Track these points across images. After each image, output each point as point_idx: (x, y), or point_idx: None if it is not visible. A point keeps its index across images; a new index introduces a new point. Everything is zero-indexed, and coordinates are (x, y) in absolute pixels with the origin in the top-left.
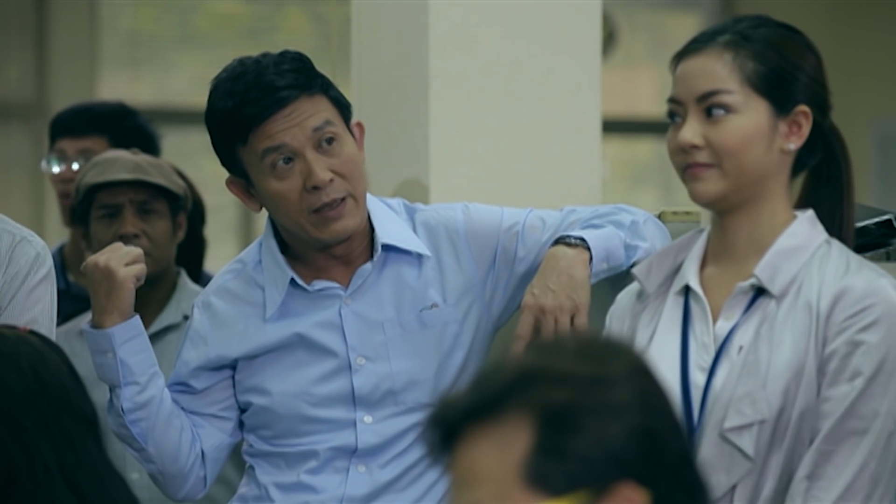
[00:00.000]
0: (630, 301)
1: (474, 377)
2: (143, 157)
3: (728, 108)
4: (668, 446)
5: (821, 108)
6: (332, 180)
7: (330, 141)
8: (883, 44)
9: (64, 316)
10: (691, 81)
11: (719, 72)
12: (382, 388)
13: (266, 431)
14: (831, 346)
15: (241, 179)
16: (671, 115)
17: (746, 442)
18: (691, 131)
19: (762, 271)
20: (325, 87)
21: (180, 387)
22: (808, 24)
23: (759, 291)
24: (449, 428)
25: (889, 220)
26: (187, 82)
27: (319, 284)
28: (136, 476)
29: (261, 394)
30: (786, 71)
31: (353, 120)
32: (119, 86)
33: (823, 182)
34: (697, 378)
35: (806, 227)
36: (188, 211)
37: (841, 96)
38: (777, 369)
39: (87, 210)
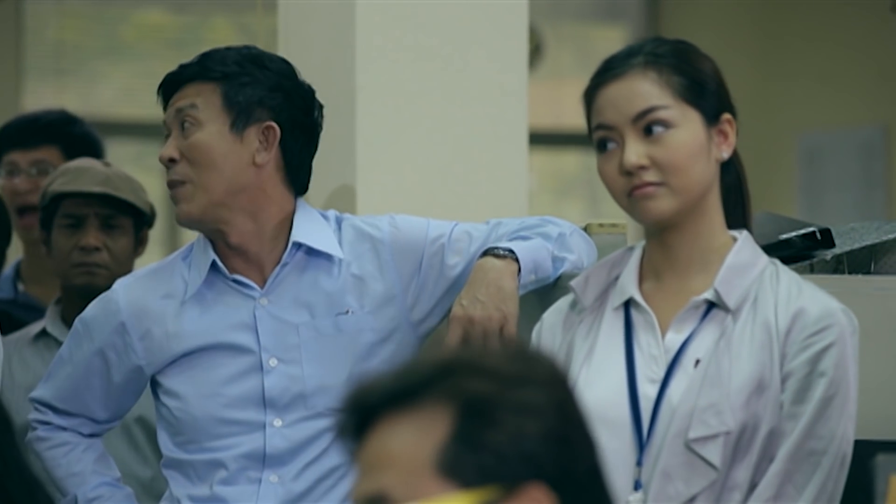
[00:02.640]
0: (559, 317)
1: (397, 367)
2: (113, 170)
3: (667, 124)
4: (581, 457)
5: (734, 114)
6: (173, 160)
7: (184, 124)
8: (807, 57)
9: (15, 324)
10: (622, 104)
11: (650, 90)
12: (293, 390)
13: (179, 437)
14: (790, 364)
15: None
16: (602, 142)
17: (712, 452)
18: (635, 153)
19: (721, 285)
20: (224, 79)
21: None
22: (735, 39)
23: (711, 305)
24: (366, 412)
25: (813, 233)
26: (114, 93)
27: (239, 277)
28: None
29: (175, 397)
30: (703, 80)
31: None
32: (45, 96)
33: (729, 194)
34: (647, 390)
35: (750, 246)
36: (151, 227)
37: (766, 109)
38: (739, 382)
39: (52, 217)
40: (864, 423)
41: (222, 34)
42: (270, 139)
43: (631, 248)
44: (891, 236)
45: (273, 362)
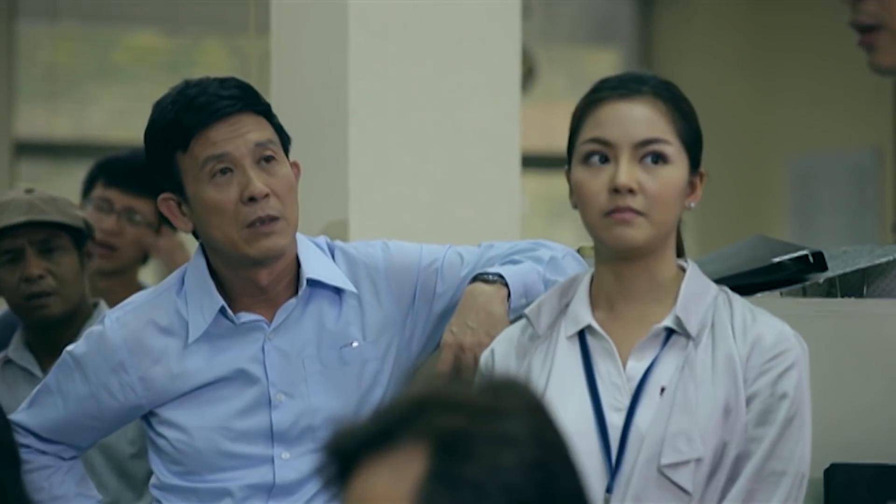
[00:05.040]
0: (510, 346)
1: (374, 409)
2: (36, 195)
3: (665, 159)
4: (562, 482)
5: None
6: (267, 196)
7: (269, 159)
8: (799, 83)
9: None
10: (628, 126)
11: (658, 121)
12: (301, 424)
13: (177, 467)
14: (751, 388)
15: (175, 195)
16: (592, 154)
17: (685, 478)
18: (629, 175)
19: (682, 313)
20: (268, 113)
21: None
22: (727, 63)
23: (670, 333)
24: (345, 458)
25: (805, 256)
26: (106, 116)
27: (245, 317)
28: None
29: (176, 428)
30: (698, 131)
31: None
32: (37, 119)
33: None
34: (612, 418)
35: (698, 275)
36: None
37: (758, 132)
38: (707, 409)
39: None
40: (858, 446)
41: (215, 56)
42: (297, 172)
43: (577, 277)
44: (883, 260)
45: (280, 397)
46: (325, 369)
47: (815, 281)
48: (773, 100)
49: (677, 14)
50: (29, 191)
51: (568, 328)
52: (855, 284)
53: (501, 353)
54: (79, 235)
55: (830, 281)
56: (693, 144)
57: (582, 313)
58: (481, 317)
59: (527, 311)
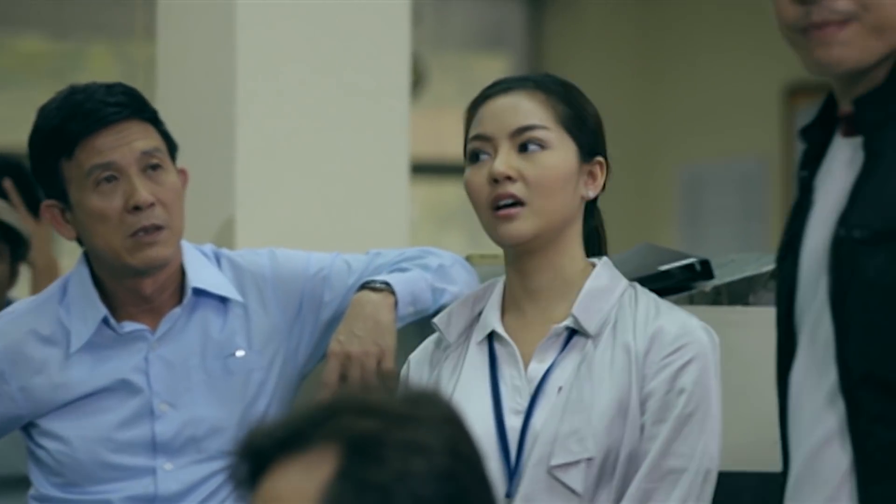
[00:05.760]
0: (425, 355)
1: (286, 412)
2: None
3: (543, 145)
4: (472, 496)
5: (607, 161)
6: (153, 205)
7: (155, 167)
8: (688, 90)
9: None
10: (504, 117)
11: (534, 109)
12: (185, 434)
13: (58, 478)
14: (650, 384)
15: (59, 203)
16: (475, 154)
17: (574, 479)
18: (505, 163)
19: (580, 312)
20: (155, 120)
21: None
22: (617, 70)
23: (572, 333)
24: (258, 458)
25: (692, 264)
26: None
27: (129, 326)
28: None
29: (57, 439)
30: (586, 118)
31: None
32: None
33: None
34: (512, 421)
35: (608, 271)
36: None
37: (647, 140)
38: (601, 407)
39: None
40: (742, 454)
41: (101, 62)
42: (185, 179)
43: (492, 283)
44: (769, 268)
45: (163, 407)
46: (210, 379)
47: (702, 289)
48: (663, 107)
49: (567, 20)
50: None
51: (478, 334)
52: (741, 293)
53: (416, 364)
54: (18, 248)
55: (717, 289)
56: (581, 131)
57: (490, 318)
58: (368, 325)
59: (435, 319)
